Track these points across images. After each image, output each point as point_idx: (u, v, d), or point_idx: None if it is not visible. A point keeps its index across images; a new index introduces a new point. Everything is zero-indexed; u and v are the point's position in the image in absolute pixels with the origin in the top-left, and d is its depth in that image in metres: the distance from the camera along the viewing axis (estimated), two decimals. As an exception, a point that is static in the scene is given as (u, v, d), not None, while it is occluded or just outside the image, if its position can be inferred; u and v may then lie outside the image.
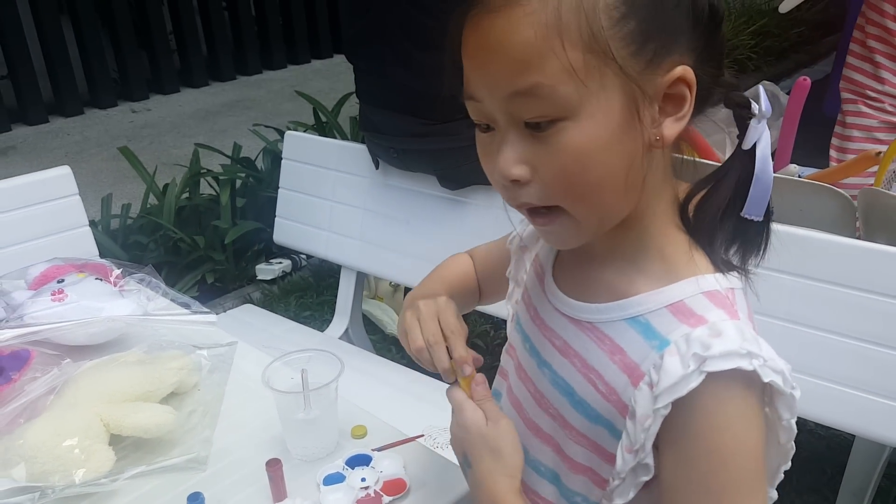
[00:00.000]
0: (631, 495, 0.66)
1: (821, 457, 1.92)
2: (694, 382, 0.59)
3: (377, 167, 1.93)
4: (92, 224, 1.90)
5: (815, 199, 1.45)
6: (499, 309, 1.81)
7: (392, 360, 1.99)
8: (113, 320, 1.22)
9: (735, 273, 0.66)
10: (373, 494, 0.94)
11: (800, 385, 1.28)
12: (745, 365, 0.59)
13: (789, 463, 0.69)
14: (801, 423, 1.85)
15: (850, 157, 2.04)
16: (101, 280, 1.30)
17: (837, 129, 2.29)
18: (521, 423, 0.77)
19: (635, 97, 0.59)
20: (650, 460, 0.63)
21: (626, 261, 0.67)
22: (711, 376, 0.59)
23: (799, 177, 1.76)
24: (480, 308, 1.90)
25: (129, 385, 1.06)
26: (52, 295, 1.24)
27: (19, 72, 4.79)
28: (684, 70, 0.59)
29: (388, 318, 2.63)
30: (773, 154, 1.97)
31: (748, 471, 0.61)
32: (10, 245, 1.69)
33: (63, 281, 1.28)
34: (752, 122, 0.62)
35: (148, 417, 1.02)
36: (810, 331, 1.31)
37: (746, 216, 0.63)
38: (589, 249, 0.70)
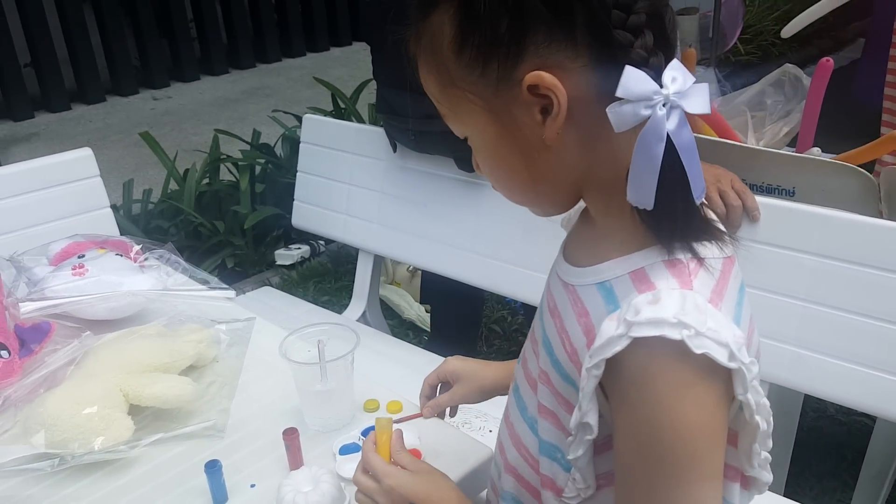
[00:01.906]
0: (580, 451, 0.67)
1: (841, 442, 1.90)
2: (619, 346, 0.59)
3: (395, 150, 1.93)
4: (114, 208, 1.91)
5: (837, 179, 1.43)
6: (515, 293, 1.82)
7: (409, 343, 1.99)
8: (133, 295, 1.24)
9: (715, 243, 0.64)
10: (388, 465, 0.94)
11: (820, 366, 1.28)
12: (672, 334, 0.57)
13: (769, 443, 0.66)
14: (822, 408, 1.83)
15: None
16: (121, 256, 1.32)
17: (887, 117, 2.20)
18: (526, 383, 0.78)
19: (498, 112, 0.64)
20: (590, 419, 0.64)
21: (607, 227, 0.68)
22: (638, 343, 0.58)
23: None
24: (498, 293, 1.91)
25: (148, 356, 1.07)
26: (73, 270, 1.25)
27: (42, 60, 4.84)
28: (534, 77, 0.60)
29: (405, 303, 2.64)
30: (795, 137, 1.92)
31: (686, 446, 0.59)
32: (33, 226, 1.71)
33: (84, 256, 1.29)
34: (627, 107, 0.57)
35: (167, 388, 1.03)
36: (832, 311, 1.29)
37: (630, 202, 0.60)
38: (588, 214, 0.72)
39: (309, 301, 2.25)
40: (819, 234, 1.30)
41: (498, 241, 1.77)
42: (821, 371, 1.30)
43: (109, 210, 1.83)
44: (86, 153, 1.80)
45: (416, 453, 0.96)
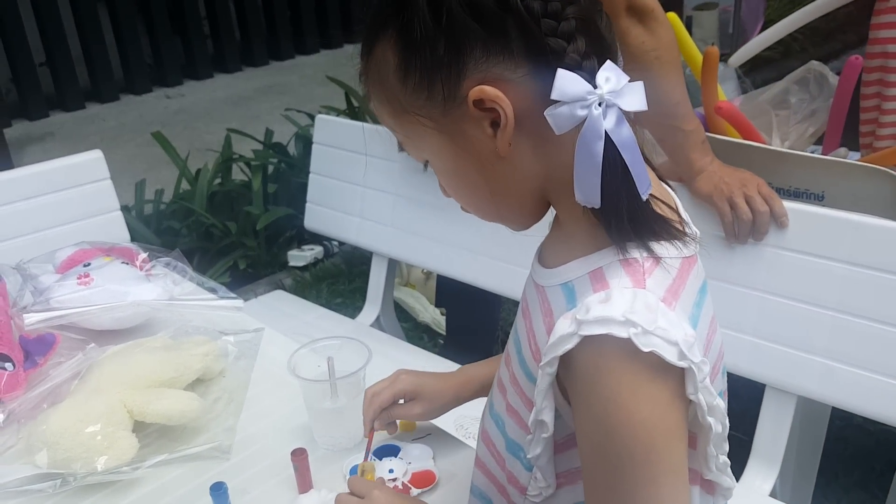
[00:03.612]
0: (539, 450, 0.69)
1: (869, 453, 1.84)
2: (569, 344, 0.60)
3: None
4: (125, 209, 1.89)
5: (869, 183, 1.37)
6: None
7: (423, 349, 1.96)
8: (139, 305, 1.21)
9: (674, 242, 0.65)
10: (401, 487, 0.91)
11: (852, 379, 1.23)
12: (619, 332, 0.58)
13: (725, 446, 0.67)
14: (849, 417, 1.78)
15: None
16: (127, 264, 1.29)
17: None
18: (498, 381, 0.79)
19: (450, 132, 0.66)
20: (545, 417, 0.66)
21: (572, 229, 0.68)
22: (588, 341, 0.59)
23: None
24: (514, 297, 1.87)
25: (153, 371, 1.04)
26: (79, 279, 1.22)
27: (57, 59, 4.83)
28: (477, 92, 0.62)
29: (419, 306, 2.60)
30: (821, 137, 1.85)
31: (642, 444, 0.60)
32: (43, 229, 1.69)
33: (89, 265, 1.27)
34: (563, 109, 0.59)
35: (172, 404, 1.00)
36: (863, 322, 1.24)
37: (579, 202, 0.62)
38: (559, 217, 0.72)
39: (322, 304, 2.21)
40: (850, 240, 1.24)
41: (514, 244, 1.71)
42: (852, 384, 1.25)
43: (120, 213, 1.81)
44: (96, 155, 1.78)
45: (429, 475, 0.92)
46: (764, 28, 3.67)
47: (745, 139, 1.57)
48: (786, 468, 1.38)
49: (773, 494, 1.33)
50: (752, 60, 3.11)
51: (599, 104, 0.58)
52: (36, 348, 1.15)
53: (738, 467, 1.35)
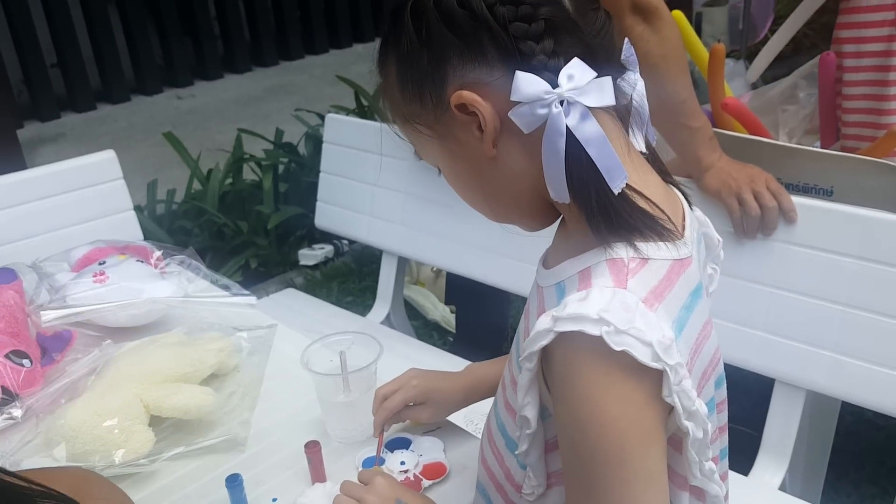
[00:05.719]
0: (525, 447, 0.70)
1: (880, 447, 1.84)
2: (545, 340, 0.61)
3: (418, 149, 1.90)
4: (138, 209, 1.91)
5: (879, 178, 1.38)
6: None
7: (434, 346, 1.97)
8: (154, 302, 1.22)
9: (666, 244, 0.65)
10: (412, 478, 0.92)
11: (861, 373, 1.24)
12: (591, 330, 0.58)
13: (708, 453, 0.66)
14: (859, 412, 1.78)
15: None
16: (142, 262, 1.30)
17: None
18: (500, 381, 0.81)
19: (444, 137, 0.69)
20: (527, 413, 0.67)
21: (571, 229, 0.69)
22: (563, 338, 0.60)
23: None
24: (524, 295, 1.87)
25: (168, 366, 1.05)
26: (94, 277, 1.24)
27: (68, 60, 4.87)
28: (456, 97, 0.64)
29: (429, 304, 2.61)
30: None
31: (613, 444, 0.60)
32: (57, 229, 1.71)
33: (104, 263, 1.28)
34: (524, 109, 0.61)
35: (188, 398, 1.01)
36: (873, 316, 1.24)
37: (553, 199, 0.64)
38: (563, 217, 0.73)
39: (332, 302, 2.23)
40: (859, 235, 1.25)
41: (523, 242, 1.72)
42: (861, 378, 1.25)
43: (133, 213, 1.83)
44: (109, 155, 1.80)
45: (440, 467, 0.94)
46: (774, 23, 3.66)
47: (750, 133, 1.57)
48: (795, 463, 1.39)
49: (782, 489, 1.34)
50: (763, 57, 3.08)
51: (561, 103, 0.60)
52: (53, 345, 1.17)
53: (747, 462, 1.36)
